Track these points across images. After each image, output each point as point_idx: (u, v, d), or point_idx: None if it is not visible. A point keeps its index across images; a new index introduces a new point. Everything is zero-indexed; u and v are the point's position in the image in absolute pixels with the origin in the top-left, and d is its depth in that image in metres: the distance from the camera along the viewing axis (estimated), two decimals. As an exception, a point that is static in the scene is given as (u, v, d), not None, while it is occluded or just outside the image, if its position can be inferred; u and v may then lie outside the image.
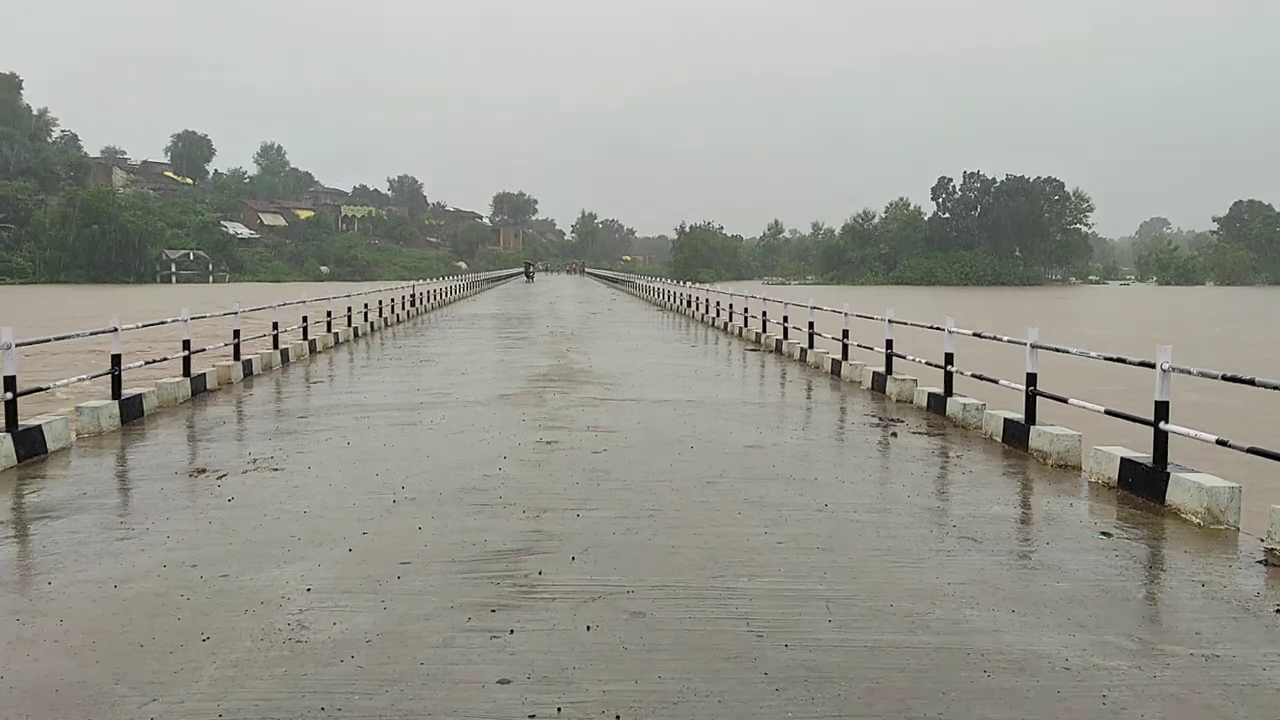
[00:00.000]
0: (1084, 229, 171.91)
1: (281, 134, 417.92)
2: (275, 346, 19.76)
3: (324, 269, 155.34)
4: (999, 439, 11.22)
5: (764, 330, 25.27)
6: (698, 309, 37.03)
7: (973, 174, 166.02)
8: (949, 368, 13.24)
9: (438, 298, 47.95)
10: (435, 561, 6.47)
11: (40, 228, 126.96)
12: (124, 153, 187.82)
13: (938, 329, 13.83)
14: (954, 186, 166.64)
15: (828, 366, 18.68)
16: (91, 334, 12.94)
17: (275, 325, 19.87)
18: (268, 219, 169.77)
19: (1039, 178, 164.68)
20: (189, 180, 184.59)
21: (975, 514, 7.92)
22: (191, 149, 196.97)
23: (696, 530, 7.21)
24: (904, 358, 15.28)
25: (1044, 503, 8.43)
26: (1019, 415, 11.01)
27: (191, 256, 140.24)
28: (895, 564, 6.52)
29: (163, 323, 15.46)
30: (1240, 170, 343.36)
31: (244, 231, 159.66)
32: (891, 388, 14.96)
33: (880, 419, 12.90)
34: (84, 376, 12.69)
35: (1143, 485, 8.55)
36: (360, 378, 18.06)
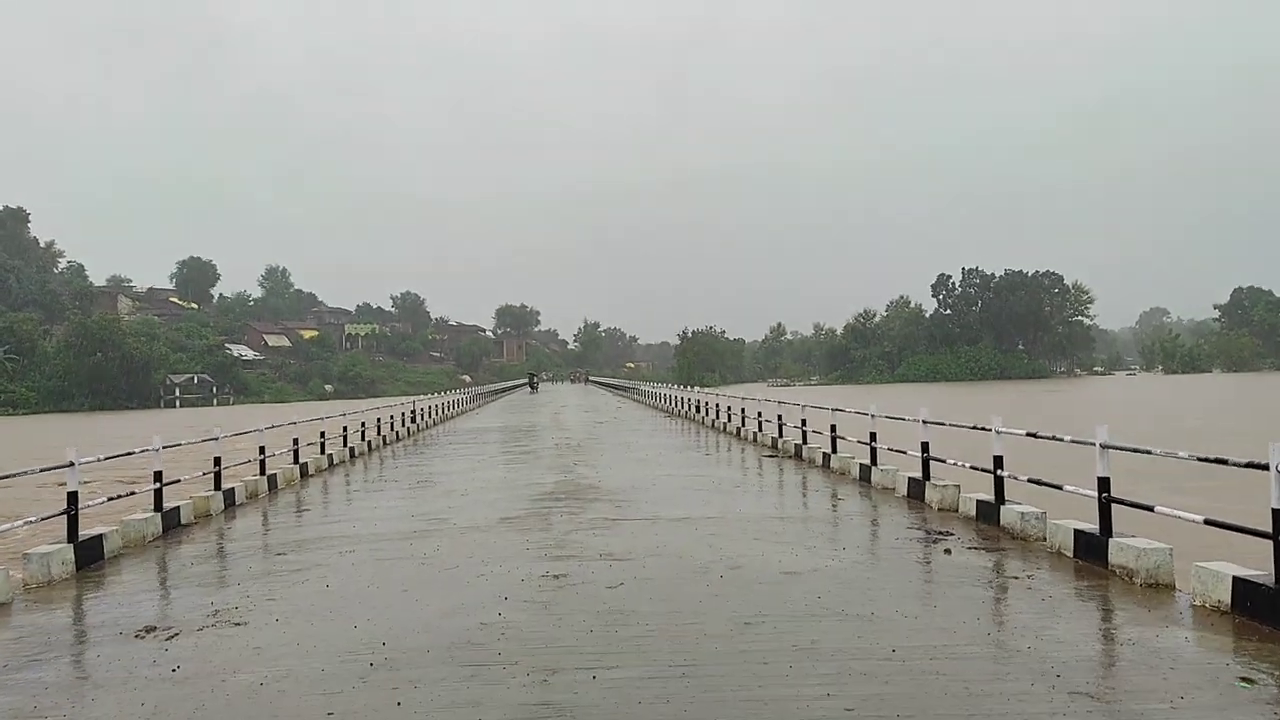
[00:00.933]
0: (1085, 320, 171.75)
1: (285, 256, 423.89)
2: (262, 473, 18.45)
3: (328, 387, 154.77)
4: (1069, 553, 9.83)
5: (780, 435, 23.96)
6: (706, 414, 35.76)
7: (972, 270, 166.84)
8: (1000, 472, 11.90)
9: (440, 413, 46.74)
10: (415, 754, 5.09)
11: (44, 357, 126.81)
12: (129, 280, 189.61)
13: (981, 429, 12.55)
14: (954, 283, 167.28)
15: (855, 473, 17.32)
16: (43, 470, 11.64)
17: (262, 450, 18.60)
18: (272, 340, 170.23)
19: (1037, 272, 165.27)
20: (194, 305, 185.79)
21: (1076, 656, 6.52)
22: (196, 274, 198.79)
23: (742, 694, 5.83)
24: (942, 461, 13.94)
25: (1153, 637, 7.02)
26: (1092, 525, 9.65)
27: (195, 380, 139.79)
28: (1000, 736, 5.12)
29: (130, 454, 14.19)
30: (1238, 255, 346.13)
31: (248, 353, 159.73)
32: (932, 495, 13.59)
33: (926, 532, 11.50)
34: (31, 519, 11.35)
35: (1266, 609, 7.16)
36: (352, 504, 16.71)
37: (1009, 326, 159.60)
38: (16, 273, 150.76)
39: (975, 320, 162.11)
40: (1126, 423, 39.27)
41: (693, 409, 39.45)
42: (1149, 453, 9.35)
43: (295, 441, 21.04)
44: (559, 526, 12.53)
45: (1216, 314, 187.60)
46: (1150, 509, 8.89)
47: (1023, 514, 11.08)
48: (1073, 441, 10.72)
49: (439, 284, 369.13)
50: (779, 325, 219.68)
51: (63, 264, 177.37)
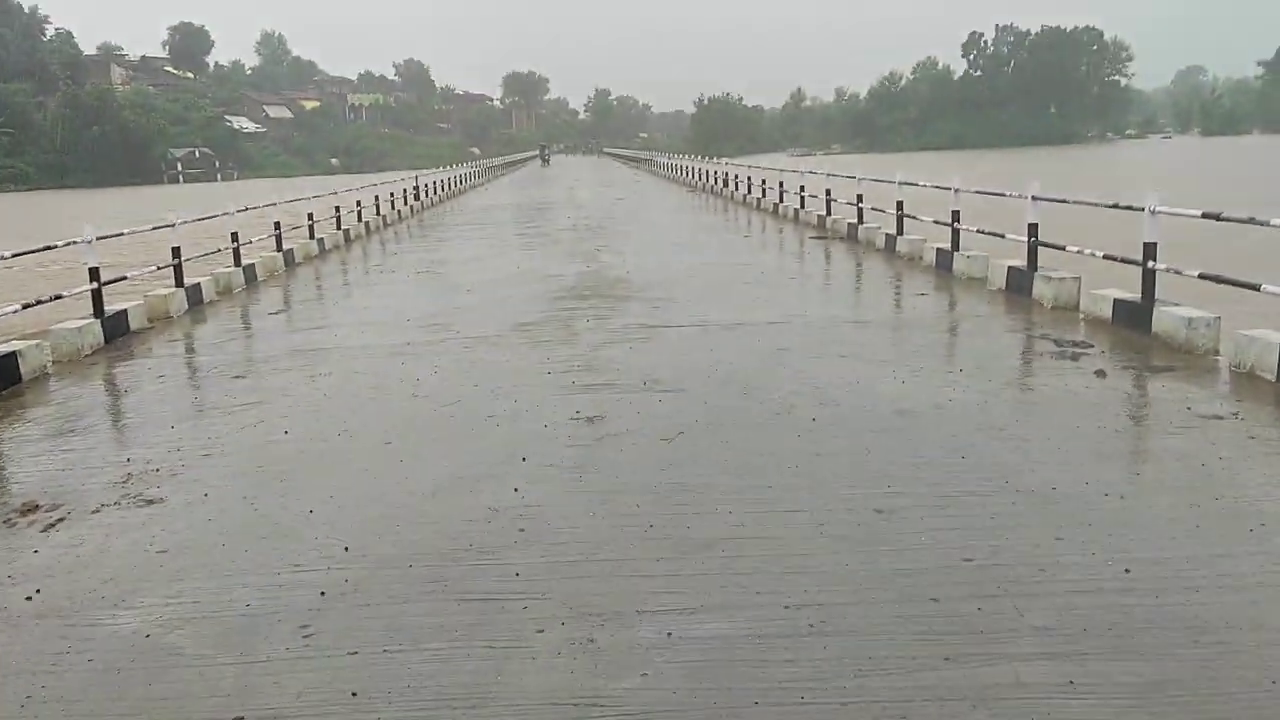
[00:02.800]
0: (1122, 80, 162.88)
1: (281, 20, 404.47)
2: (237, 263, 15.94)
3: (334, 161, 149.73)
4: (1272, 375, 7.36)
5: (828, 213, 21.14)
6: (736, 189, 32.73)
7: (1006, 26, 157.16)
8: (1152, 264, 9.26)
9: (446, 188, 43.66)
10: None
11: (40, 131, 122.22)
12: (121, 48, 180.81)
13: (1123, 207, 9.86)
14: (986, 41, 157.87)
15: (930, 258, 14.65)
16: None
17: (235, 236, 16.00)
18: (273, 111, 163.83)
19: (1076, 28, 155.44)
20: (189, 75, 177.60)
21: None
22: (190, 42, 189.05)
23: (923, 678, 3.49)
24: (1058, 248, 11.25)
25: None
26: (1313, 343, 7.12)
27: (197, 154, 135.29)
28: None
29: (61, 245, 11.59)
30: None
31: (249, 125, 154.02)
32: (1043, 290, 10.99)
33: (1056, 343, 9.01)
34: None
35: None
36: (337, 301, 14.29)
37: (1042, 88, 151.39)
38: (2, 41, 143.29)
39: (1007, 82, 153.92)
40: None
41: (719, 183, 36.31)
42: None
43: (277, 226, 18.40)
44: (587, 336, 10.08)
45: (1260, 71, 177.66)
46: None
47: (1189, 319, 8.53)
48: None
49: (443, 51, 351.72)
50: (799, 90, 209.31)
51: (50, 31, 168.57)
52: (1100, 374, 7.82)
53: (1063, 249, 11.03)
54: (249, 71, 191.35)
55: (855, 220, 18.80)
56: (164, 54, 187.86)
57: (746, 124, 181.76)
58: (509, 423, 7.00)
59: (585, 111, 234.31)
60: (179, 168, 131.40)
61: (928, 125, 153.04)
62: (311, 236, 20.80)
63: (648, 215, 27.47)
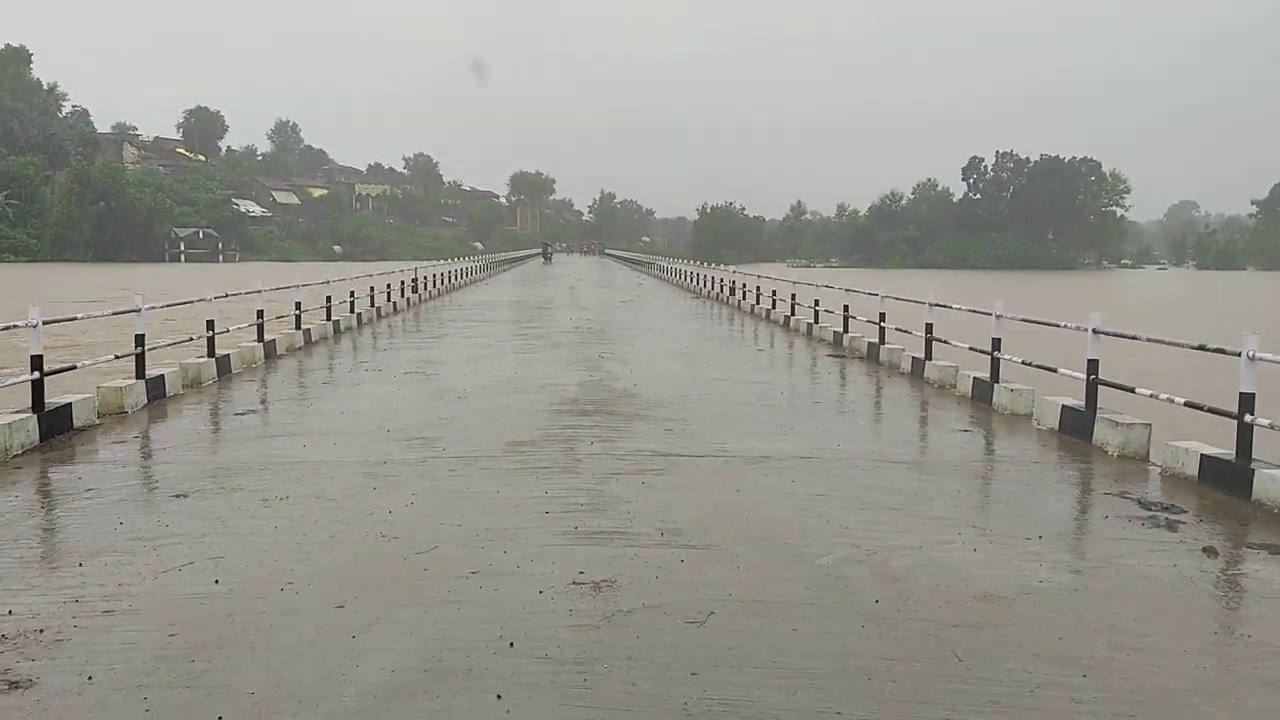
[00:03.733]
0: (1119, 211, 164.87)
1: (296, 110, 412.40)
2: (210, 354, 14.66)
3: (337, 248, 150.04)
4: None
5: (846, 330, 20.02)
6: (743, 298, 31.76)
7: (1005, 153, 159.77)
8: (1249, 417, 8.00)
9: (446, 281, 42.71)
10: None
11: (46, 204, 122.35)
12: (135, 129, 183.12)
13: (1210, 350, 8.65)
14: (986, 166, 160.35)
15: (966, 388, 13.42)
16: None
17: (210, 325, 14.74)
18: (280, 197, 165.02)
19: (1074, 158, 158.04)
20: (201, 157, 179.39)
21: None
22: (204, 125, 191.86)
23: None
24: (1130, 390, 10.02)
25: None
26: None
27: (201, 234, 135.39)
28: None
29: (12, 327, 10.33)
30: (1273, 153, 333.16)
31: (256, 209, 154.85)
32: (1108, 435, 9.72)
33: (1141, 504, 7.70)
34: None
35: None
36: (313, 403, 12.95)
37: (1040, 214, 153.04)
38: (19, 116, 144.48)
39: (1005, 207, 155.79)
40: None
41: (726, 291, 35.32)
42: None
43: (260, 315, 17.20)
44: (591, 463, 8.75)
45: (1253, 209, 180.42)
46: None
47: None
48: None
49: (453, 146, 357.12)
50: (799, 204, 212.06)
51: (67, 108, 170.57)
52: (1210, 552, 6.49)
53: (1131, 391, 9.78)
54: (260, 157, 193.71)
55: (875, 340, 17.63)
56: (178, 136, 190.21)
57: (747, 233, 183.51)
58: (495, 584, 5.62)
59: (589, 213, 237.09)
60: (182, 247, 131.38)
61: (927, 244, 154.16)
62: (297, 327, 19.60)
63: (653, 320, 26.40)
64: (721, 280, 37.36)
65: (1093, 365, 10.31)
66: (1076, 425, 10.40)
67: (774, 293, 26.96)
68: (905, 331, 16.27)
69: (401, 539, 6.51)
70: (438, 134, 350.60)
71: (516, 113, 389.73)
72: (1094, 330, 10.37)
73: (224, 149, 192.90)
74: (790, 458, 9.11)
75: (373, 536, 6.58)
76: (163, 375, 12.68)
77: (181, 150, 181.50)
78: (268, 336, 17.25)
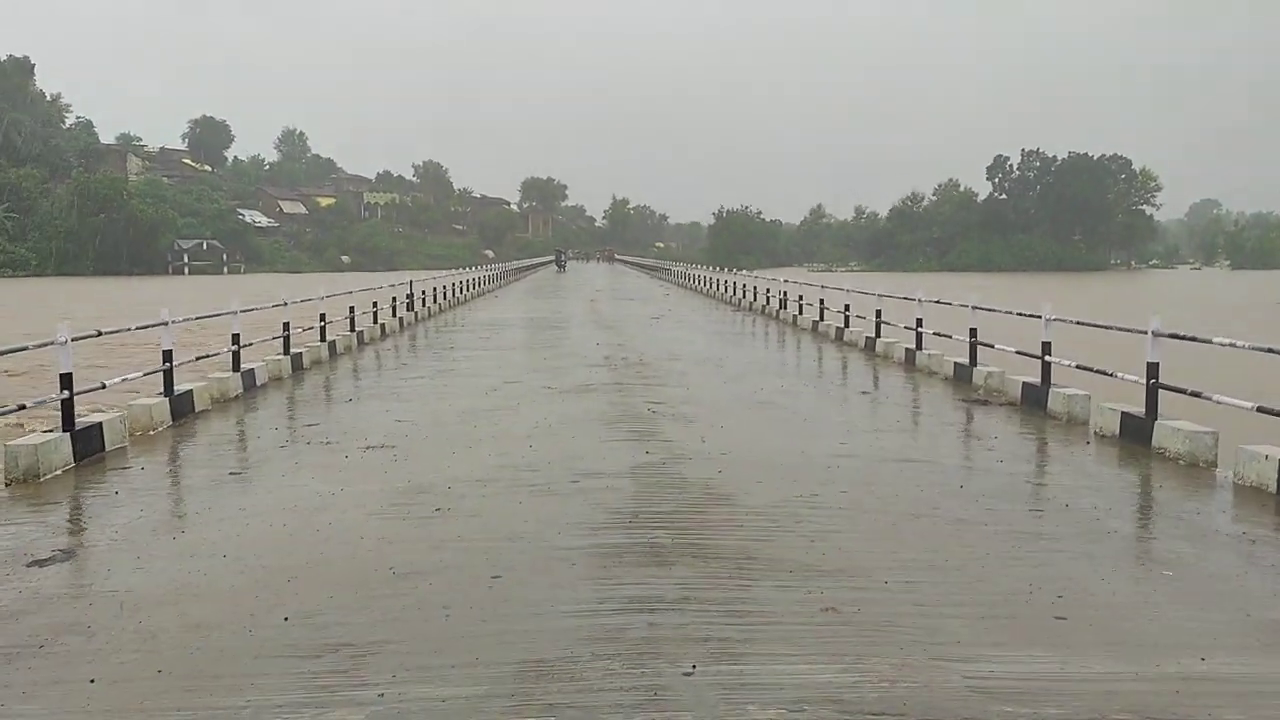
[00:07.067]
0: (1148, 210, 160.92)
1: (303, 118, 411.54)
2: (168, 389, 11.14)
3: (345, 258, 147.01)
4: None
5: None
6: (784, 308, 28.22)
7: (1032, 151, 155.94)
8: None
9: (453, 294, 38.95)
10: None
11: (46, 217, 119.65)
12: (139, 139, 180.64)
13: None
14: (1011, 165, 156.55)
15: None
16: None
17: (168, 356, 11.19)
18: (287, 207, 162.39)
19: (1104, 155, 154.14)
20: (207, 167, 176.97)
21: None
22: (210, 136, 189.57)
23: None
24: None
25: None
26: None
27: (205, 246, 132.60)
28: None
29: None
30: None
31: (262, 220, 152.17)
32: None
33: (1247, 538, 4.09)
34: None
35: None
36: (253, 485, 9.04)
37: (1067, 214, 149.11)
38: (20, 127, 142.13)
39: (1032, 206, 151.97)
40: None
41: (776, 305, 30.66)
42: None
43: (236, 341, 13.70)
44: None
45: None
46: None
47: None
48: None
49: (462, 152, 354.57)
50: (818, 207, 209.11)
51: (70, 119, 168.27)
52: None
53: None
54: (268, 167, 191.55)
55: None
56: (183, 146, 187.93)
57: (765, 237, 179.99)
58: None
59: (603, 219, 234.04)
60: (185, 259, 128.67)
61: (952, 246, 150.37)
62: (286, 352, 16.14)
63: (698, 343, 22.03)
64: (769, 291, 33.39)
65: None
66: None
67: (846, 308, 22.79)
68: (945, 336, 12.66)
69: None
70: (448, 141, 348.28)
71: (528, 118, 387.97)
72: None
73: (230, 159, 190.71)
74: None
75: None
76: (100, 423, 9.19)
77: (187, 160, 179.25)
78: (245, 366, 13.74)
